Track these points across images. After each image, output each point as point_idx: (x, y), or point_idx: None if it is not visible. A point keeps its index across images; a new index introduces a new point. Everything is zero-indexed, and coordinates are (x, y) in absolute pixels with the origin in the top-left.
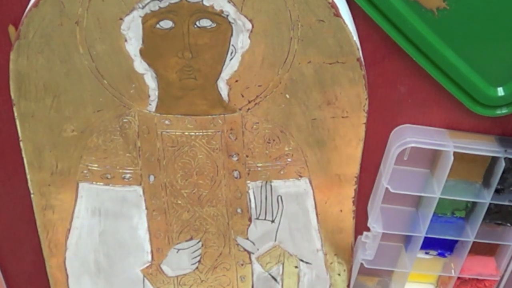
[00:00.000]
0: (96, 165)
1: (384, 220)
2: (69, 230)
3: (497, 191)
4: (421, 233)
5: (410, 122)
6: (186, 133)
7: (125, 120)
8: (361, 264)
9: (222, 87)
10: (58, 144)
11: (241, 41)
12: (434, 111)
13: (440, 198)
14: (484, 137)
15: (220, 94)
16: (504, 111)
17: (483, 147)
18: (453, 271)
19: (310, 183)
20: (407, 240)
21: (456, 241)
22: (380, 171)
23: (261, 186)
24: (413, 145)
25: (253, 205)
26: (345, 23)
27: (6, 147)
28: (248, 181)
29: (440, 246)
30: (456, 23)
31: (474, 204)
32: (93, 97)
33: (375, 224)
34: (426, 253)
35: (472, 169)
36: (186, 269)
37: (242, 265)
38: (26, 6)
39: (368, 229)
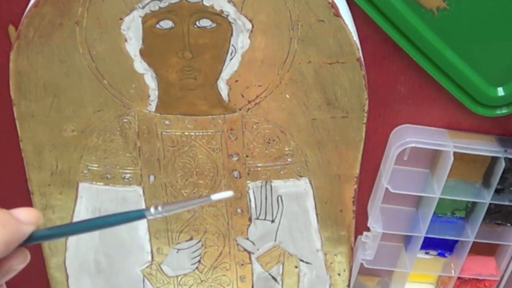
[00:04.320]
0: (96, 165)
1: (384, 220)
2: None
3: (497, 191)
4: (421, 233)
5: (410, 122)
6: (186, 133)
7: (125, 120)
8: (361, 264)
9: (222, 87)
10: (58, 144)
11: (241, 41)
12: (434, 111)
13: (440, 198)
14: (484, 137)
15: (220, 94)
16: (504, 111)
17: (483, 147)
18: (453, 271)
19: (310, 183)
20: (407, 240)
21: (456, 241)
22: (380, 171)
23: (261, 186)
24: (413, 145)
25: (253, 205)
26: (345, 23)
27: (6, 147)
28: (248, 181)
29: (440, 246)
30: (456, 23)
31: (474, 204)
32: (93, 97)
33: (375, 224)
34: (426, 253)
35: (472, 169)
36: (186, 269)
37: (242, 265)
38: (26, 6)
39: (368, 229)
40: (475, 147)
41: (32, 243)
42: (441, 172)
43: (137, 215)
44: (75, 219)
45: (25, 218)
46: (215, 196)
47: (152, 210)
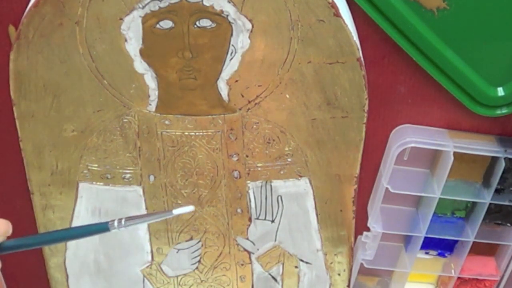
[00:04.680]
0: (96, 165)
1: (384, 220)
2: None
3: (497, 191)
4: (421, 233)
5: (410, 122)
6: (186, 133)
7: (125, 120)
8: (361, 264)
9: (222, 87)
10: (58, 144)
11: (241, 41)
12: (434, 111)
13: (440, 198)
14: (484, 137)
15: (220, 94)
16: (504, 111)
17: (483, 147)
18: (453, 271)
19: (310, 183)
20: (407, 240)
21: (456, 241)
22: (380, 171)
23: (261, 186)
24: (413, 145)
25: (253, 205)
26: (345, 23)
27: (6, 147)
28: (248, 181)
29: (440, 246)
30: (456, 23)
31: (474, 204)
32: (93, 97)
33: (375, 224)
34: (426, 253)
35: (472, 169)
36: (186, 269)
37: (242, 265)
38: (26, 6)
39: (368, 229)
40: (475, 147)
41: (1, 253)
42: (441, 172)
43: (100, 228)
44: (75, 219)
45: None
46: (177, 211)
47: (115, 223)
